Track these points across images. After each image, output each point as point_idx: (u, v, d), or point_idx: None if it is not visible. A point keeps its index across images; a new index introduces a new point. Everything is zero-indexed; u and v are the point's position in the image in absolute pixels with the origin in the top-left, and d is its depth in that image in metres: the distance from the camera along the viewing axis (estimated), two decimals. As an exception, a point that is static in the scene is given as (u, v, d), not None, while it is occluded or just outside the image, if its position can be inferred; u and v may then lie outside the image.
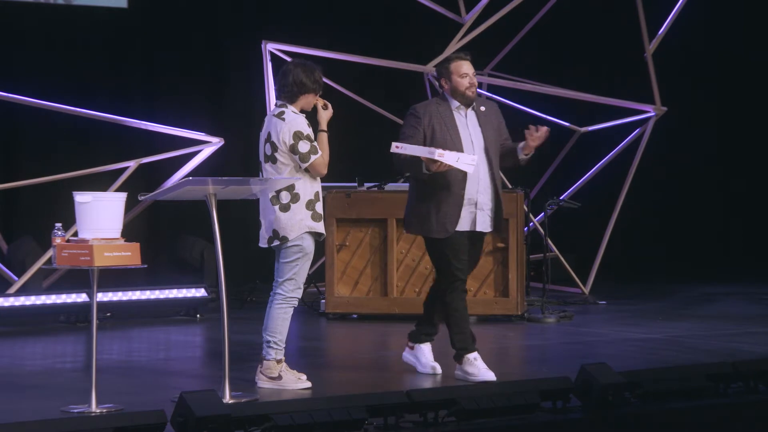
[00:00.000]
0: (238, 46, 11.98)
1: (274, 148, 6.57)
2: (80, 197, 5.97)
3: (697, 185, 14.25)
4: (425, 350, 7.11)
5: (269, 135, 6.60)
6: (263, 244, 6.66)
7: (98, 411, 5.82)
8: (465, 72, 6.78)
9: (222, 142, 10.52)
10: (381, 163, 12.26)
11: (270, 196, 6.54)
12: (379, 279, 9.72)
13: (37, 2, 11.27)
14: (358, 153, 11.45)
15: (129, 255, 5.97)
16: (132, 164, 10.19)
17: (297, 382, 6.55)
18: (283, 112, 6.61)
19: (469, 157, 6.58)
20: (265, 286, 10.97)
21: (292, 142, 6.52)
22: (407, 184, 10.50)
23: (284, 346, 6.61)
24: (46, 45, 11.30)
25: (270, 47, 11.13)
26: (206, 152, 10.49)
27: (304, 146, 6.52)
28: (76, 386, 6.47)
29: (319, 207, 6.63)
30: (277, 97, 6.71)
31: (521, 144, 6.78)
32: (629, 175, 11.56)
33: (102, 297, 9.45)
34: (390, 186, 10.25)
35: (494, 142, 6.79)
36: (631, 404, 5.85)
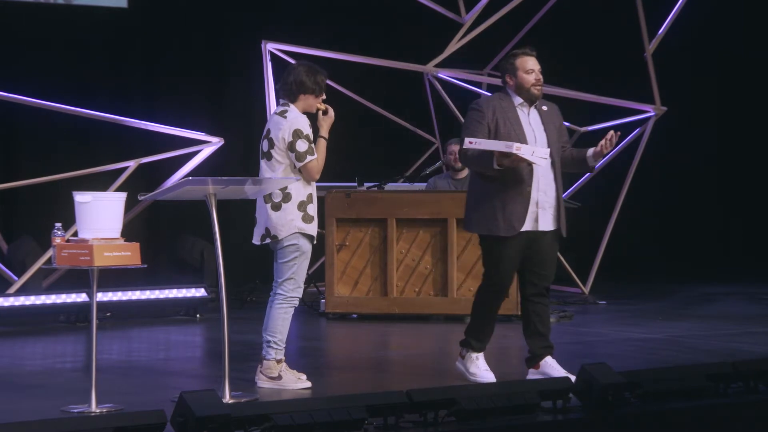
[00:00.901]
0: (238, 46, 11.98)
1: (271, 144, 6.57)
2: (80, 197, 5.97)
3: (697, 185, 14.25)
4: (474, 359, 6.80)
5: (268, 131, 6.61)
6: (256, 241, 6.66)
7: (98, 411, 5.82)
8: (531, 68, 6.58)
9: (222, 142, 10.52)
10: (381, 163, 12.34)
11: (264, 194, 6.54)
12: (379, 279, 9.72)
13: (37, 2, 11.27)
14: (357, 153, 11.45)
15: (129, 255, 5.97)
16: (132, 164, 10.19)
17: (297, 381, 6.55)
18: (285, 111, 6.62)
19: (543, 150, 6.40)
20: (265, 286, 10.96)
21: (291, 139, 6.51)
22: (407, 184, 10.57)
23: (284, 346, 6.61)
24: (46, 45, 11.29)
25: (270, 47, 11.14)
26: (206, 152, 10.48)
27: (302, 145, 6.51)
28: (76, 386, 6.47)
29: (311, 209, 6.59)
30: (280, 97, 6.71)
31: (590, 152, 6.60)
32: (629, 175, 11.56)
33: (102, 297, 9.45)
34: (390, 186, 10.25)
35: (556, 141, 6.61)
36: (631, 404, 5.85)
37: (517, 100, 6.62)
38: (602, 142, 6.51)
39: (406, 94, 12.58)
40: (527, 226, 6.54)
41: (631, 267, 13.25)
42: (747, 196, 14.36)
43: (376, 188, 10.07)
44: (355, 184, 10.23)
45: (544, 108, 6.68)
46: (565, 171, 6.73)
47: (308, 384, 6.55)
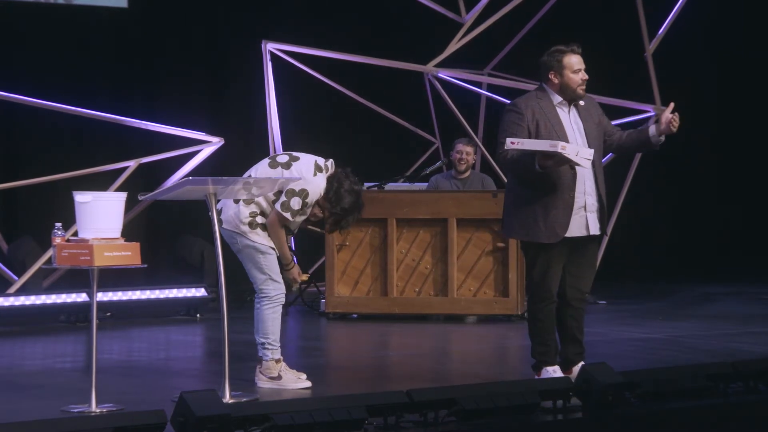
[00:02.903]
0: (238, 45, 11.98)
1: (285, 167, 6.47)
2: (80, 197, 5.96)
3: (697, 185, 14.24)
4: (551, 373, 6.42)
5: (297, 159, 6.50)
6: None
7: (98, 411, 5.82)
8: (578, 67, 6.36)
9: (222, 142, 10.52)
10: (381, 163, 12.34)
11: (264, 194, 6.49)
12: (379, 279, 9.71)
13: (37, 2, 11.26)
14: (357, 153, 11.44)
15: (129, 255, 5.97)
16: (132, 164, 10.20)
17: (297, 381, 6.55)
18: (321, 169, 6.48)
19: (587, 151, 6.14)
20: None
21: (294, 188, 6.38)
22: (407, 184, 10.57)
23: (279, 345, 6.61)
24: (46, 45, 11.29)
25: (270, 47, 11.14)
26: (206, 152, 10.49)
27: (295, 203, 6.41)
28: (76, 386, 6.47)
29: (261, 219, 6.47)
30: (320, 172, 6.52)
31: (653, 128, 6.36)
32: (629, 175, 11.56)
33: (102, 297, 9.46)
34: (390, 186, 10.25)
35: (597, 139, 6.38)
36: (631, 404, 5.84)
37: (556, 98, 6.37)
38: (668, 120, 6.29)
39: (407, 94, 12.57)
40: (576, 232, 6.31)
41: (631, 267, 13.25)
42: (747, 196, 14.35)
43: (376, 188, 10.07)
44: (356, 184, 10.22)
45: (582, 103, 6.46)
46: (632, 152, 6.41)
47: (308, 384, 6.55)
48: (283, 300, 6.63)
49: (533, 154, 6.14)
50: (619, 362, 6.70)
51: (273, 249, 6.54)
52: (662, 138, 6.44)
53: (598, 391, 5.68)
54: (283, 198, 6.41)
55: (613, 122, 11.91)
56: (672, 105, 6.43)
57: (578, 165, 6.19)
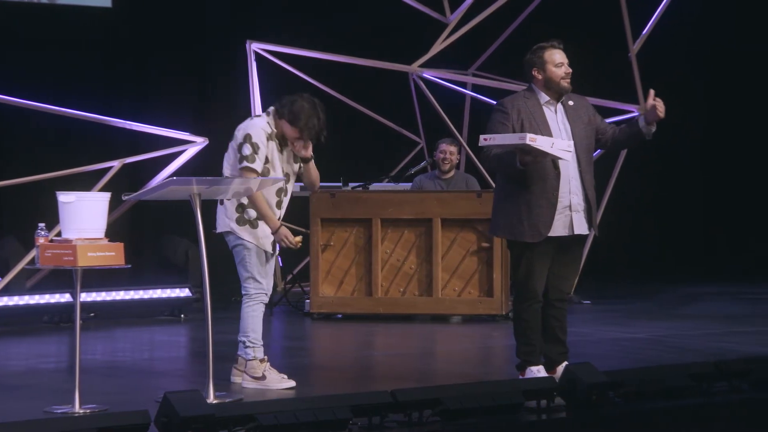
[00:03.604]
0: (223, 45, 11.96)
1: (233, 138, 6.61)
2: (64, 197, 5.95)
3: (682, 185, 14.28)
4: (535, 373, 6.40)
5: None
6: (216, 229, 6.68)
7: (82, 411, 5.80)
8: (560, 61, 6.39)
9: (206, 142, 10.49)
10: (365, 163, 12.33)
11: (249, 194, 6.53)
12: (364, 279, 9.71)
13: (21, 2, 11.22)
14: (342, 153, 11.44)
15: (113, 255, 5.96)
16: (116, 164, 10.17)
17: (281, 381, 6.54)
18: (260, 116, 6.64)
19: (564, 142, 6.15)
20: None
21: (240, 141, 6.53)
22: (392, 184, 10.57)
23: (261, 344, 6.60)
24: (30, 45, 11.25)
25: (255, 47, 11.12)
26: (191, 152, 10.46)
27: (246, 149, 6.50)
28: (60, 387, 6.45)
29: (250, 213, 6.54)
30: (272, 105, 6.65)
31: (642, 119, 6.35)
32: (613, 175, 11.57)
33: (86, 297, 9.42)
34: (374, 186, 10.26)
35: (585, 138, 6.37)
36: (615, 404, 5.85)
37: (543, 97, 6.39)
38: (652, 107, 6.28)
39: (391, 94, 12.58)
40: (560, 231, 6.31)
41: (615, 267, 13.27)
42: (732, 196, 14.39)
43: (360, 188, 10.07)
44: (340, 184, 10.23)
45: (570, 103, 6.46)
46: (621, 150, 6.36)
47: (292, 383, 6.54)
48: (264, 300, 6.62)
49: (515, 151, 6.15)
50: (604, 362, 6.70)
51: (263, 248, 6.51)
52: (653, 128, 6.43)
53: (582, 391, 5.69)
54: (237, 156, 6.49)
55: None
56: (652, 92, 6.41)
57: (558, 158, 6.18)
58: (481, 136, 6.20)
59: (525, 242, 6.32)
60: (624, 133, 6.52)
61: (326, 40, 11.59)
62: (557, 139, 6.20)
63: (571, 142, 6.23)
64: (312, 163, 6.62)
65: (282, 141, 6.58)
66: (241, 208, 6.54)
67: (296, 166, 6.67)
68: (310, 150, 6.55)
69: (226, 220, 6.56)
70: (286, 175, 6.60)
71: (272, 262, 6.67)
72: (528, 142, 6.02)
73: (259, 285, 6.57)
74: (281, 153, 6.59)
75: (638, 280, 12.89)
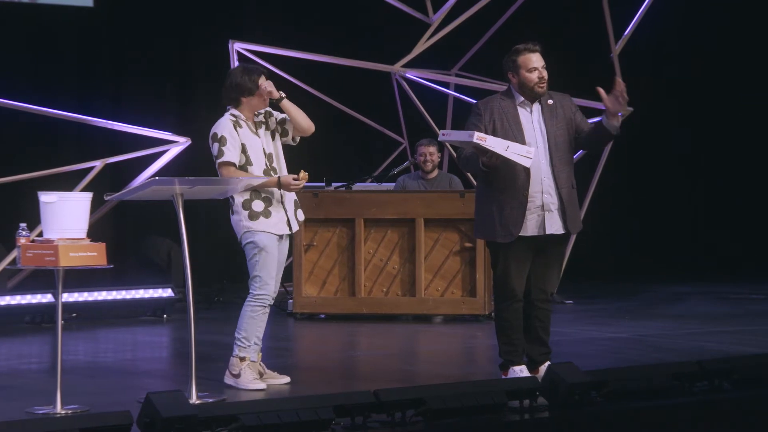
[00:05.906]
0: (205, 45, 11.94)
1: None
2: (45, 197, 5.93)
3: (665, 185, 14.32)
4: (518, 372, 6.43)
5: None
6: None
7: (63, 412, 5.79)
8: (534, 66, 6.32)
9: (189, 142, 10.48)
10: (348, 163, 12.33)
11: (231, 194, 6.57)
12: (347, 279, 9.71)
13: (2, 1, 11.18)
14: (325, 153, 11.43)
15: (95, 255, 5.94)
16: (98, 164, 10.14)
17: (252, 382, 6.51)
18: (223, 115, 6.65)
19: (522, 147, 6.09)
20: (232, 286, 10.96)
21: (210, 142, 6.59)
22: (375, 184, 10.57)
23: (250, 344, 6.58)
24: (10, 44, 11.21)
25: (237, 47, 11.10)
26: (173, 152, 10.44)
27: (214, 148, 6.55)
28: (41, 387, 6.42)
29: (257, 205, 6.55)
30: (225, 104, 6.70)
31: (603, 117, 6.28)
32: (595, 175, 11.60)
33: (68, 297, 9.40)
34: (357, 186, 10.25)
35: (561, 136, 6.32)
36: (598, 403, 5.86)
37: (519, 98, 6.37)
38: (615, 96, 6.22)
39: (374, 94, 12.58)
40: (531, 231, 6.29)
41: (598, 266, 13.30)
42: (716, 196, 14.44)
43: (343, 188, 10.06)
44: (323, 184, 10.22)
45: (550, 102, 6.42)
46: (597, 149, 6.31)
47: (263, 386, 6.51)
48: (265, 302, 6.59)
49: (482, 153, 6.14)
50: (586, 362, 6.72)
51: (270, 247, 6.53)
52: (616, 122, 6.34)
53: (564, 391, 5.69)
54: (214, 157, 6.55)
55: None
56: (618, 80, 6.32)
57: (513, 161, 6.12)
58: (440, 132, 6.26)
59: (499, 242, 6.35)
60: (593, 132, 6.46)
61: (309, 40, 11.58)
62: (513, 143, 6.15)
63: (532, 148, 6.18)
64: (287, 103, 6.61)
65: (254, 123, 6.60)
66: (247, 204, 6.54)
67: (279, 143, 6.69)
68: (274, 89, 6.58)
69: (241, 223, 6.57)
70: (269, 155, 6.60)
71: (281, 266, 6.68)
72: (475, 140, 6.02)
73: (263, 286, 6.57)
74: (256, 135, 6.60)
75: (620, 279, 12.92)
